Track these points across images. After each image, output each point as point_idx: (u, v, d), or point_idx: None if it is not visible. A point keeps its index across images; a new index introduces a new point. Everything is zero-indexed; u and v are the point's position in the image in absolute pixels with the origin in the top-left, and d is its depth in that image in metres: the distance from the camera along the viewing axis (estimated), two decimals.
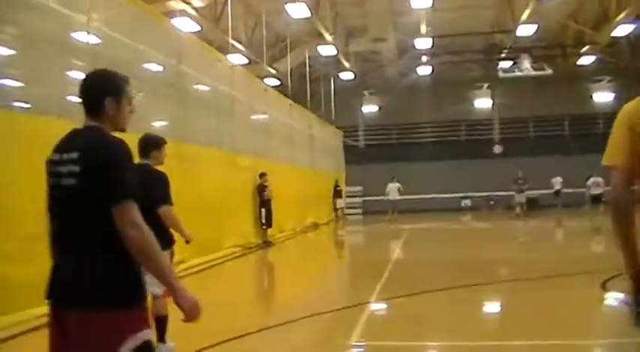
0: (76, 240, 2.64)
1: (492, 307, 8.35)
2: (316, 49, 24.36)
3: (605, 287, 8.81)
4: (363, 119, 35.98)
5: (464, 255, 14.66)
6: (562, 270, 11.00)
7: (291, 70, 24.86)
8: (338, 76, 30.02)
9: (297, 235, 20.15)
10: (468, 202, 32.79)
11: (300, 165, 22.22)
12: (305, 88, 25.54)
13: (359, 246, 20.08)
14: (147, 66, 11.65)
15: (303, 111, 23.55)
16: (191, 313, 2.67)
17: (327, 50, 24.40)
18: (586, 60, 31.08)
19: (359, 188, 32.88)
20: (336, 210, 28.21)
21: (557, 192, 27.75)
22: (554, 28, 27.49)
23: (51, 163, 2.75)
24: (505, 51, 28.71)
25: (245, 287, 11.40)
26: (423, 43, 26.03)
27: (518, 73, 27.77)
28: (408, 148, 34.27)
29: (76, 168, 2.63)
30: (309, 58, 25.48)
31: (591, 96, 36.27)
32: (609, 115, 25.74)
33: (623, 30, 25.42)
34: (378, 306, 8.50)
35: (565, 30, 28.52)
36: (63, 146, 2.76)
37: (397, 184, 27.33)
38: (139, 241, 2.57)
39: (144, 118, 9.96)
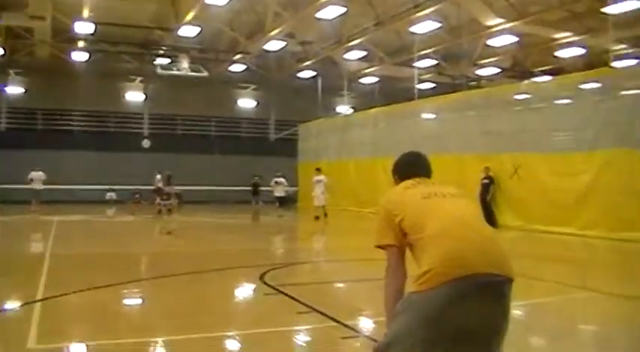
0: None
1: (163, 301, 8.44)
2: None
3: (263, 279, 9.59)
4: (7, 100, 33.22)
5: (124, 249, 14.59)
6: (221, 264, 11.66)
7: None
8: None
9: None
10: (113, 195, 32.31)
11: None
12: None
13: (4, 237, 18.55)
14: None
15: None
16: None
17: None
18: (237, 67, 33.00)
19: None
20: None
21: (159, 189, 28.19)
22: (213, 33, 28.60)
23: None
24: (164, 48, 29.06)
25: None
26: (84, 28, 24.95)
27: (175, 72, 28.27)
28: (54, 135, 32.53)
29: None
30: None
31: (236, 102, 38.54)
32: (251, 120, 28.09)
33: (274, 45, 27.60)
34: (48, 304, 8.02)
35: (221, 36, 29.82)
36: None
37: (40, 173, 25.94)
38: None
39: None
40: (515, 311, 7.09)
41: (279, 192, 24.52)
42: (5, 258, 12.44)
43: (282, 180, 24.59)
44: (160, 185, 27.80)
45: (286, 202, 24.69)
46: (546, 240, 17.21)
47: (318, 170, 24.40)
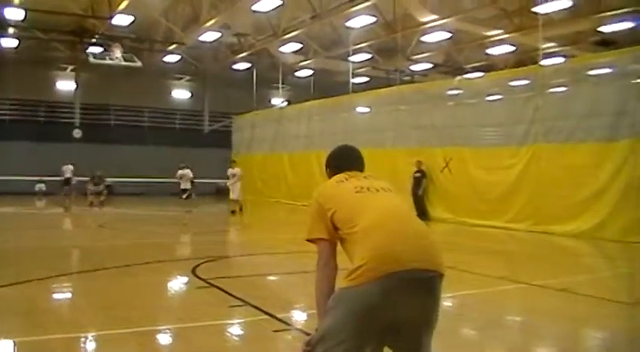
0: None
1: (93, 295, 8.31)
2: None
3: (195, 272, 9.56)
4: None
5: (53, 242, 14.28)
6: (152, 257, 11.51)
7: None
8: None
9: None
10: (42, 186, 31.50)
11: None
12: None
13: None
14: None
15: None
16: None
17: None
18: (171, 58, 32.64)
19: None
20: None
21: (68, 180, 27.51)
22: (147, 22, 28.17)
23: None
24: (97, 37, 28.46)
25: None
26: (14, 14, 24.23)
27: (108, 61, 27.68)
28: None
29: None
30: None
31: (171, 93, 38.16)
32: (185, 112, 27.44)
33: (209, 36, 27.45)
34: None
35: (156, 26, 29.38)
36: None
37: None
38: None
39: None
40: (445, 303, 7.31)
41: (184, 185, 23.44)
42: None
43: (187, 171, 23.59)
44: (69, 175, 27.08)
45: (191, 195, 23.77)
46: (475, 233, 17.63)
47: (234, 162, 24.11)
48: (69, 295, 8.59)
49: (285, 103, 35.52)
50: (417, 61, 31.95)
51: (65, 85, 35.38)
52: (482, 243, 15.93)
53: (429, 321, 3.00)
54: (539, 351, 6.28)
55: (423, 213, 19.46)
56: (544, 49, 21.61)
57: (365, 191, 3.22)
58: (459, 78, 22.15)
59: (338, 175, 3.44)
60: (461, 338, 6.42)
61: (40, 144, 31.51)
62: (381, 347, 2.99)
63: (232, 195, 22.84)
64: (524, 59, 27.17)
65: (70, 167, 27.04)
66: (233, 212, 22.51)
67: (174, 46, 30.27)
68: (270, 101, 38.36)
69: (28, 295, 8.00)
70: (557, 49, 26.43)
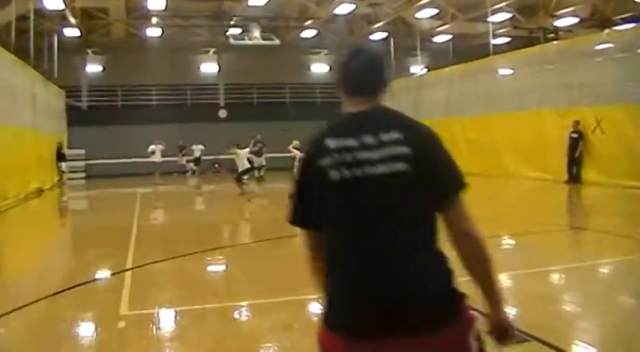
0: (413, 243, 2.17)
1: (246, 267, 8.63)
2: (41, 1, 22.41)
3: None
4: (87, 79, 34.23)
5: (206, 217, 14.96)
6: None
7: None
8: (62, 32, 28.08)
9: (20, 203, 18.64)
10: (193, 165, 32.98)
11: (22, 126, 20.48)
12: (26, 44, 23.45)
13: (94, 211, 19.31)
14: None
15: (26, 68, 21.67)
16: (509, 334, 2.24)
17: (53, 3, 22.56)
18: (308, 33, 33.02)
19: (81, 151, 31.44)
20: (62, 173, 26.99)
21: (198, 160, 28.79)
22: (282, 0, 28.62)
23: (340, 152, 2.26)
24: (235, 18, 29.30)
25: None
26: (155, 4, 25.41)
27: (248, 41, 28.46)
28: (133, 111, 33.33)
29: (404, 150, 2.26)
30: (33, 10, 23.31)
31: (310, 67, 38.63)
32: (325, 85, 27.30)
33: (343, 9, 27.49)
34: (137, 273, 8.31)
35: (291, 3, 29.79)
36: (357, 129, 2.35)
37: (161, 146, 27.01)
38: (481, 242, 2.19)
39: None
40: (602, 269, 6.99)
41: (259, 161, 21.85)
42: (96, 229, 12.94)
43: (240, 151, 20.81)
44: (198, 154, 28.37)
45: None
46: (632, 196, 16.62)
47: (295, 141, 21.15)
48: (224, 267, 8.98)
49: (425, 70, 35.02)
50: (560, 17, 30.38)
51: (208, 67, 36.69)
52: None
53: None
54: None
55: (575, 178, 18.64)
56: None
57: None
58: (607, 31, 20.91)
59: None
60: (620, 307, 6.11)
61: (188, 125, 32.89)
62: None
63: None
64: None
65: (201, 146, 28.41)
66: None
67: (309, 21, 30.58)
68: (408, 69, 37.95)
69: (187, 268, 8.44)
70: None
